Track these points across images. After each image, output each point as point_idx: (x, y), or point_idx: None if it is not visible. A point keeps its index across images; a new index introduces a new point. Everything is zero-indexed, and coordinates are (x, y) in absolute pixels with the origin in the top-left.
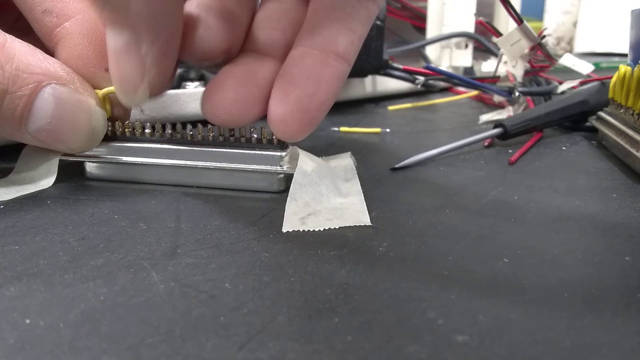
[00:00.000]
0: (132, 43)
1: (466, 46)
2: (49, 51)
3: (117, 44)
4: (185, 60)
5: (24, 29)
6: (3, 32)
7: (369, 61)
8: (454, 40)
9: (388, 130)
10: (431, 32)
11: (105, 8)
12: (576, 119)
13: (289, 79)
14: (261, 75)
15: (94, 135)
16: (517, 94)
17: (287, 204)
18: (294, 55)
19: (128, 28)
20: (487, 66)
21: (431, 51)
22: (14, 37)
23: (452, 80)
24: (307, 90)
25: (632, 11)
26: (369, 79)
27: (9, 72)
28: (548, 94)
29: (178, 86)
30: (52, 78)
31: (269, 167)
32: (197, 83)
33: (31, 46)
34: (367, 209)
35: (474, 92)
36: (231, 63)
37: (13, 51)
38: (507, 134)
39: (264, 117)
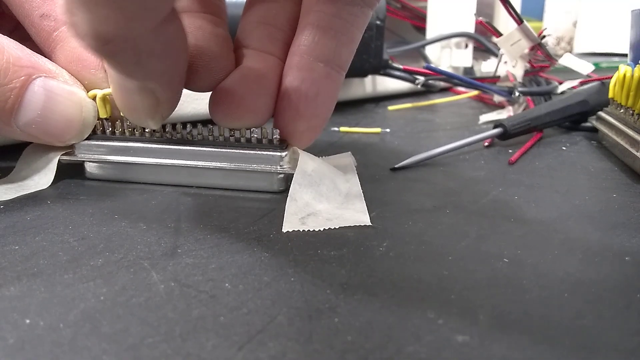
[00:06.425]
0: (146, 88)
1: (466, 46)
2: (47, 55)
3: (132, 86)
4: (191, 89)
5: (22, 39)
6: None
7: (369, 61)
8: (454, 40)
9: (388, 130)
10: (431, 32)
11: (123, 71)
12: (576, 119)
13: (299, 97)
14: (269, 79)
15: (85, 127)
16: (517, 94)
17: (287, 204)
18: (301, 67)
19: (146, 79)
20: (487, 66)
21: (431, 51)
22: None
23: (452, 80)
24: (317, 110)
25: (632, 11)
26: (369, 79)
27: (0, 65)
28: (548, 94)
29: None
30: (42, 71)
31: (269, 167)
32: None
33: (17, 42)
34: (367, 209)
35: (474, 92)
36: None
37: (1, 45)
38: (507, 134)
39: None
